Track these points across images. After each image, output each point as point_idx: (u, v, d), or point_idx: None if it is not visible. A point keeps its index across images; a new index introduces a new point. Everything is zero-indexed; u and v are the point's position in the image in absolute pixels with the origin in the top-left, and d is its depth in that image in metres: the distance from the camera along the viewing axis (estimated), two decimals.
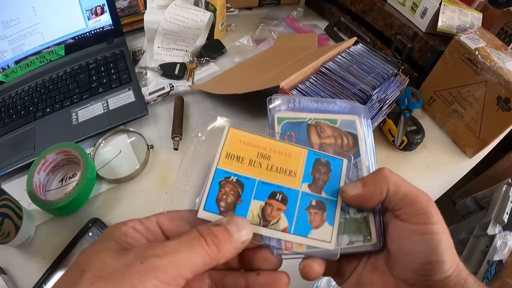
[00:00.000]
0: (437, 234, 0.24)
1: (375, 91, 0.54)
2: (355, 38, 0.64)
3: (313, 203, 0.27)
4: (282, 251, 0.26)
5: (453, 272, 0.24)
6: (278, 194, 0.27)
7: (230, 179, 0.27)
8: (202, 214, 0.26)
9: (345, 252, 0.27)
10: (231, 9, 0.90)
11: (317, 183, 0.28)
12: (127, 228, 0.24)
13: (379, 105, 0.53)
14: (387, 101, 0.54)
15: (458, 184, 0.70)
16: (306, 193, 0.27)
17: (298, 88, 0.52)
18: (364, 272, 0.28)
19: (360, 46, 0.64)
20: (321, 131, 0.30)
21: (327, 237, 0.26)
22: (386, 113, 0.54)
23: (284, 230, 0.26)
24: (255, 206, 0.26)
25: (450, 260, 0.24)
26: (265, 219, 0.26)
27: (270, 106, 0.30)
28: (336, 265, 0.29)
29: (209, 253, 0.22)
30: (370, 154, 0.30)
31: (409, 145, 0.66)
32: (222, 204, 0.26)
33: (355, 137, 0.30)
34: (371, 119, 0.51)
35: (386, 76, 0.58)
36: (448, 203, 0.98)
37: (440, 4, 0.70)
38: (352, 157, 0.29)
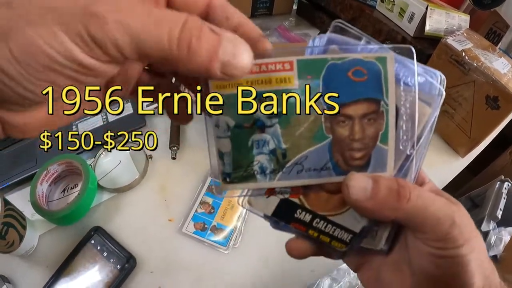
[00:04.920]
0: (464, 256, 0.21)
1: None
2: None
3: None
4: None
5: None
6: None
7: None
8: None
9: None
10: None
11: None
12: None
13: None
14: None
15: (457, 184, 0.71)
16: None
17: None
18: (384, 269, 0.25)
19: None
20: None
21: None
22: None
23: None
24: None
25: (480, 280, 0.21)
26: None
27: None
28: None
29: (169, 43, 0.16)
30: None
31: None
32: None
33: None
34: None
35: None
36: None
37: (426, 8, 0.73)
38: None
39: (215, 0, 0.20)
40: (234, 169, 0.23)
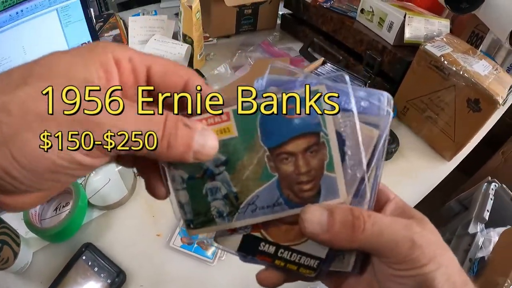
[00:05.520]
0: (429, 273, 0.21)
1: None
2: (322, 59, 0.68)
3: None
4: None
5: None
6: None
7: None
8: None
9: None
10: (210, 39, 0.94)
11: None
12: (110, 61, 0.20)
13: None
14: None
15: (450, 187, 0.71)
16: None
17: None
18: (357, 286, 0.26)
19: (328, 65, 0.68)
20: None
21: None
22: None
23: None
24: None
25: None
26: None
27: None
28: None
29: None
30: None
31: None
32: None
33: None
34: None
35: None
36: (441, 207, 0.99)
37: (404, 16, 0.74)
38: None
39: (192, 81, 0.22)
40: (195, 216, 0.24)
